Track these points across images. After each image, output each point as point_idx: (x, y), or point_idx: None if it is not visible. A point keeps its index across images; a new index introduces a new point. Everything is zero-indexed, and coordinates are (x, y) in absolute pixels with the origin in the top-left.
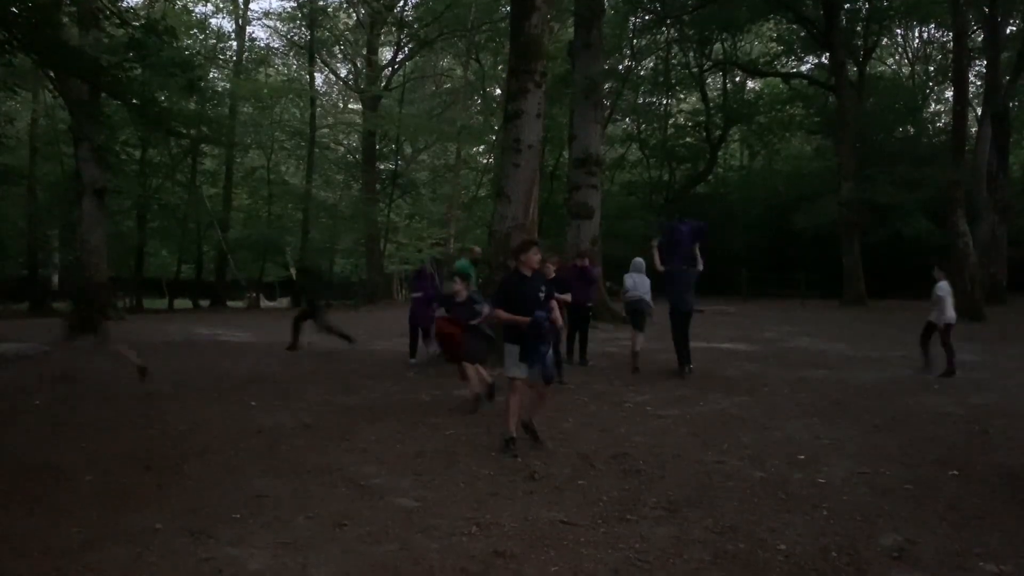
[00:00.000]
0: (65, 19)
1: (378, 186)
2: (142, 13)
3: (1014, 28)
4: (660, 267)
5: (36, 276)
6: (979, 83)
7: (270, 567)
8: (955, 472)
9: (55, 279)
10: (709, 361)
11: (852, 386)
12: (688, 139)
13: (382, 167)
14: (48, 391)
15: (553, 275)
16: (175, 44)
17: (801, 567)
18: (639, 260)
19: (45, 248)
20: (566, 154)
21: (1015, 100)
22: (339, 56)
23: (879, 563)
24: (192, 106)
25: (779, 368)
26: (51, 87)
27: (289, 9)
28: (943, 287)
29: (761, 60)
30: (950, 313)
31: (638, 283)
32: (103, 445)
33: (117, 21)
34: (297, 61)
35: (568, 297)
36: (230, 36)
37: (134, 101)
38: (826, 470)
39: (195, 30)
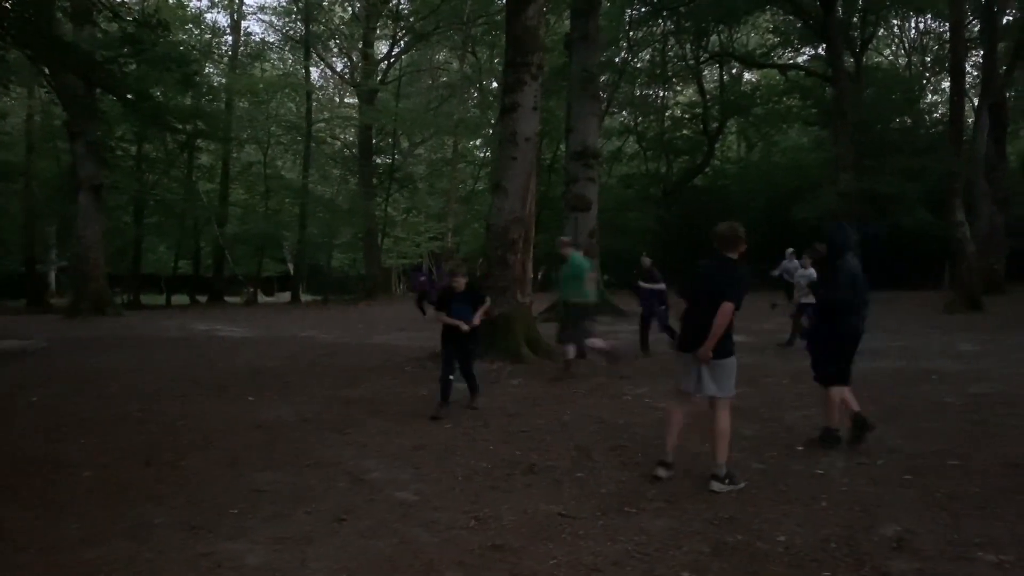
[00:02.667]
0: (59, 14)
1: (375, 180)
2: (136, 8)
3: (1011, 18)
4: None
5: (33, 272)
6: (976, 73)
7: (269, 561)
8: (954, 462)
9: (52, 275)
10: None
11: (853, 376)
12: (685, 131)
13: (379, 161)
14: (47, 387)
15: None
16: (170, 39)
17: (800, 558)
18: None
19: (42, 244)
20: (563, 147)
21: (1012, 90)
22: (335, 50)
23: (878, 554)
24: (188, 101)
25: (778, 359)
26: (46, 83)
27: (284, 3)
28: (810, 273)
29: (758, 52)
30: (808, 296)
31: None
32: (102, 440)
33: (111, 16)
34: (293, 55)
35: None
36: (225, 31)
37: (129, 96)
38: (825, 461)
39: (190, 25)
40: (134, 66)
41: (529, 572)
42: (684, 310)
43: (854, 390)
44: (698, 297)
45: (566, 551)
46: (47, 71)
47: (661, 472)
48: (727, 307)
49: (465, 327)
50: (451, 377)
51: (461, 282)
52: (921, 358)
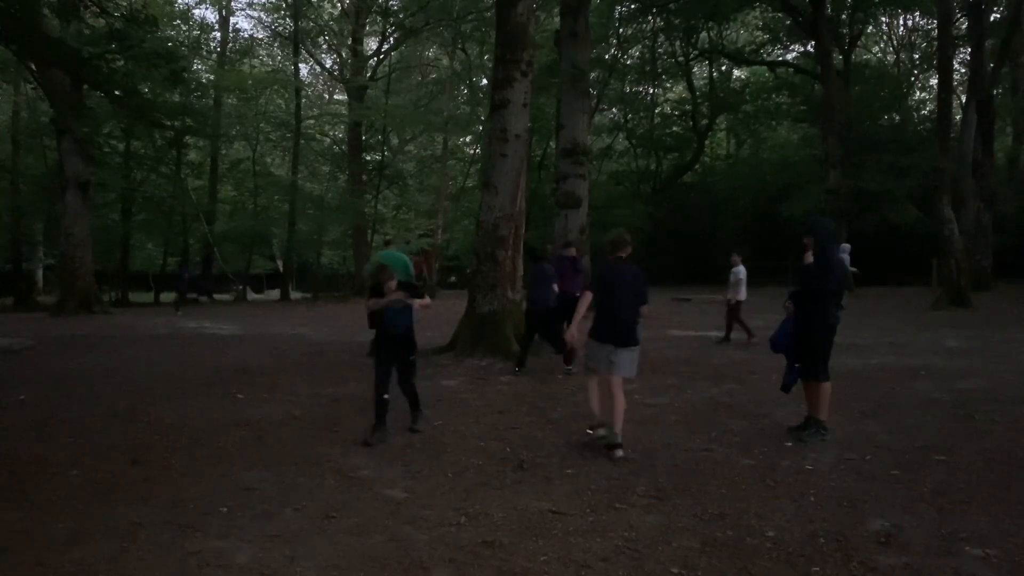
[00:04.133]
0: (45, 10)
1: (365, 177)
2: (124, 4)
3: (998, 15)
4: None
5: (20, 270)
6: (963, 71)
7: (258, 560)
8: (941, 458)
9: (40, 273)
10: (697, 350)
11: (839, 373)
12: (675, 128)
13: (369, 158)
14: (33, 385)
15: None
16: (158, 34)
17: (789, 553)
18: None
19: (29, 242)
20: (553, 144)
21: (999, 87)
22: (324, 46)
23: (866, 548)
24: (176, 97)
25: (766, 356)
26: (32, 79)
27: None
28: (741, 271)
29: (747, 49)
30: (743, 293)
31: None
32: (89, 439)
33: (98, 11)
34: (282, 52)
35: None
36: (214, 27)
37: (117, 92)
38: (813, 457)
39: (178, 21)
40: (121, 62)
41: (519, 569)
42: (597, 307)
43: (838, 387)
44: (613, 297)
45: (556, 548)
46: (33, 67)
47: (601, 431)
48: (645, 309)
49: (416, 302)
50: (386, 396)
51: (393, 283)
52: (908, 354)
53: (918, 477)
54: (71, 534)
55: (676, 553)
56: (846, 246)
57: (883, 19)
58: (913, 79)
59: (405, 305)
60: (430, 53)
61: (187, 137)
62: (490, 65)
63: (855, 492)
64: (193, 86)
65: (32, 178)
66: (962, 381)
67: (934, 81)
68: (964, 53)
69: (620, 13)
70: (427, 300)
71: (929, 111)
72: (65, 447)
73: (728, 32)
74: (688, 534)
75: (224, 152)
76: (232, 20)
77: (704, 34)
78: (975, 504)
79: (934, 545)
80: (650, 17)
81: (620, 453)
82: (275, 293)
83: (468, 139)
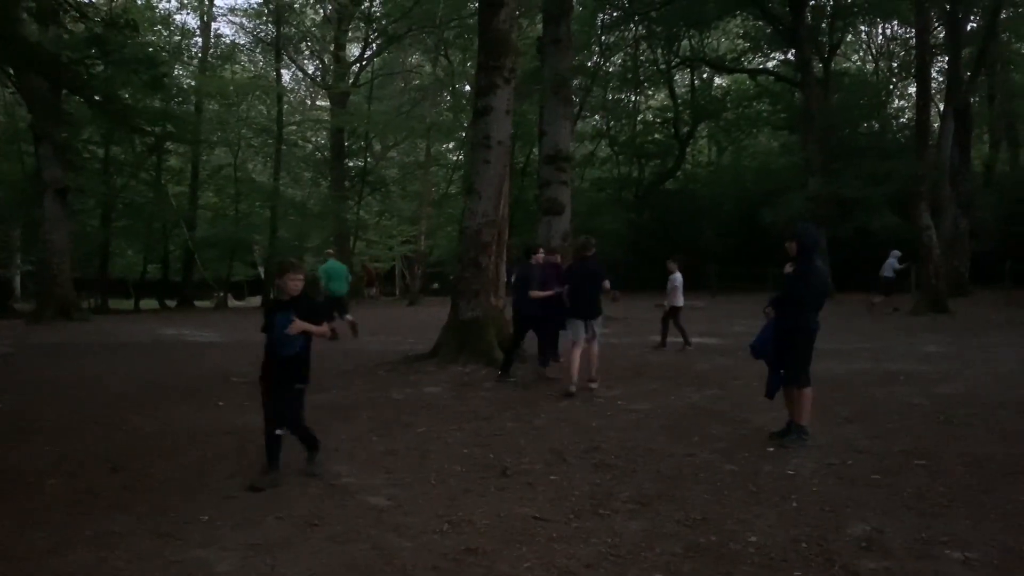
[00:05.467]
0: (24, 14)
1: (347, 183)
2: (104, 8)
3: (974, 25)
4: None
5: None
6: (941, 79)
7: (239, 568)
8: (922, 462)
9: (17, 280)
10: (679, 355)
11: (821, 379)
12: (657, 135)
13: (351, 164)
14: (11, 393)
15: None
16: (138, 40)
17: (771, 558)
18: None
19: (7, 249)
20: (536, 150)
21: (976, 95)
22: (306, 52)
23: (848, 553)
24: (156, 103)
25: (749, 362)
26: (10, 84)
27: (255, 5)
28: (677, 278)
29: (728, 57)
30: (680, 299)
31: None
32: (68, 447)
33: (77, 16)
34: (264, 57)
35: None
36: (195, 32)
37: (96, 98)
38: (795, 462)
39: (159, 26)
40: (101, 67)
41: (502, 575)
42: (572, 293)
43: (819, 392)
44: (582, 284)
45: (539, 554)
46: (11, 72)
47: (572, 389)
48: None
49: (314, 329)
50: (279, 432)
51: (297, 284)
52: (888, 359)
53: (899, 481)
54: (50, 544)
55: (659, 559)
56: (896, 252)
57: (862, 28)
58: (892, 87)
59: (299, 332)
60: (413, 59)
61: (168, 143)
62: (473, 72)
63: (837, 497)
64: (174, 91)
65: (9, 184)
66: (941, 386)
67: (912, 89)
68: (942, 62)
69: (603, 20)
70: (326, 328)
71: (908, 119)
72: (44, 455)
73: (709, 40)
74: (671, 540)
75: (205, 158)
76: (214, 26)
77: (686, 42)
78: (955, 508)
79: (915, 549)
80: (632, 25)
81: (594, 385)
82: (256, 300)
83: (451, 145)
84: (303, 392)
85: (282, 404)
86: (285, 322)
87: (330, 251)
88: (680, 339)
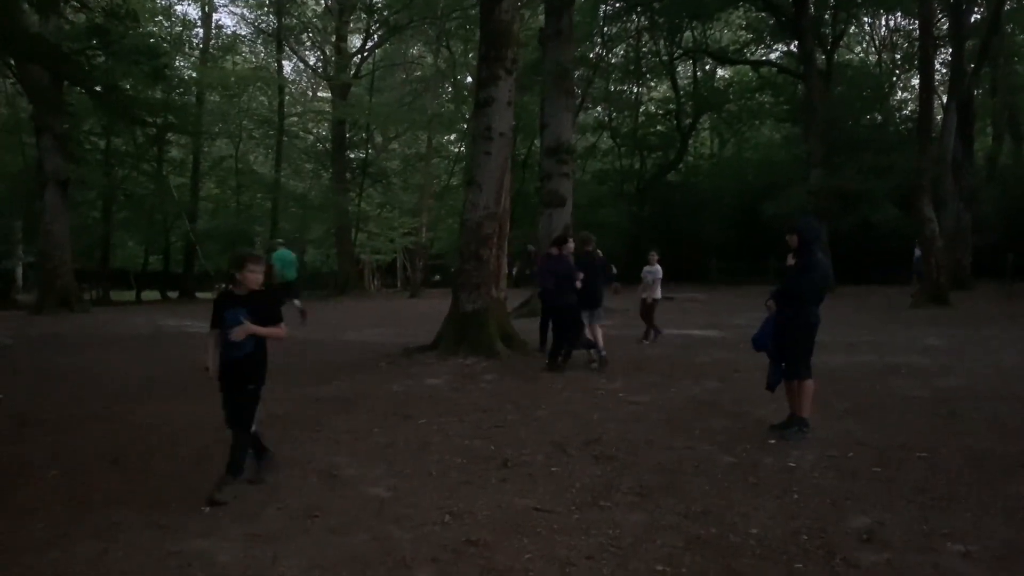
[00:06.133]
0: (24, 5)
1: (349, 175)
2: None
3: (978, 16)
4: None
5: None
6: (944, 71)
7: (240, 559)
8: (922, 455)
9: (19, 272)
10: (680, 348)
11: (822, 371)
12: (659, 127)
13: (352, 156)
14: (11, 385)
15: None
16: (139, 30)
17: (772, 551)
18: None
19: (8, 241)
20: (538, 143)
21: (979, 88)
22: (307, 44)
23: (848, 545)
24: (158, 94)
25: (749, 355)
26: (11, 75)
27: None
28: (658, 271)
29: (731, 48)
30: (658, 292)
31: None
32: (69, 439)
33: (78, 6)
34: (265, 49)
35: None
36: (196, 23)
37: (97, 89)
38: (796, 454)
39: (160, 17)
40: (102, 58)
41: (503, 567)
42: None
43: (820, 385)
44: (587, 275)
45: (540, 545)
46: (12, 63)
47: (594, 366)
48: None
49: (264, 331)
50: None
51: (257, 276)
52: (889, 353)
53: (899, 474)
54: (50, 535)
55: (660, 551)
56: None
57: (865, 19)
58: (895, 79)
59: (249, 334)
60: (414, 51)
61: (169, 134)
62: (474, 63)
63: (837, 490)
64: (175, 83)
65: (10, 176)
66: (942, 379)
67: (915, 81)
68: (945, 54)
69: (604, 12)
70: (281, 330)
71: (910, 111)
72: (44, 447)
73: (712, 31)
74: (672, 532)
75: (206, 149)
76: (215, 16)
77: (688, 33)
78: (956, 501)
79: (915, 542)
80: (634, 16)
81: (603, 352)
82: None
83: (452, 137)
84: (257, 393)
85: (238, 406)
86: (234, 319)
87: (280, 240)
88: (644, 331)
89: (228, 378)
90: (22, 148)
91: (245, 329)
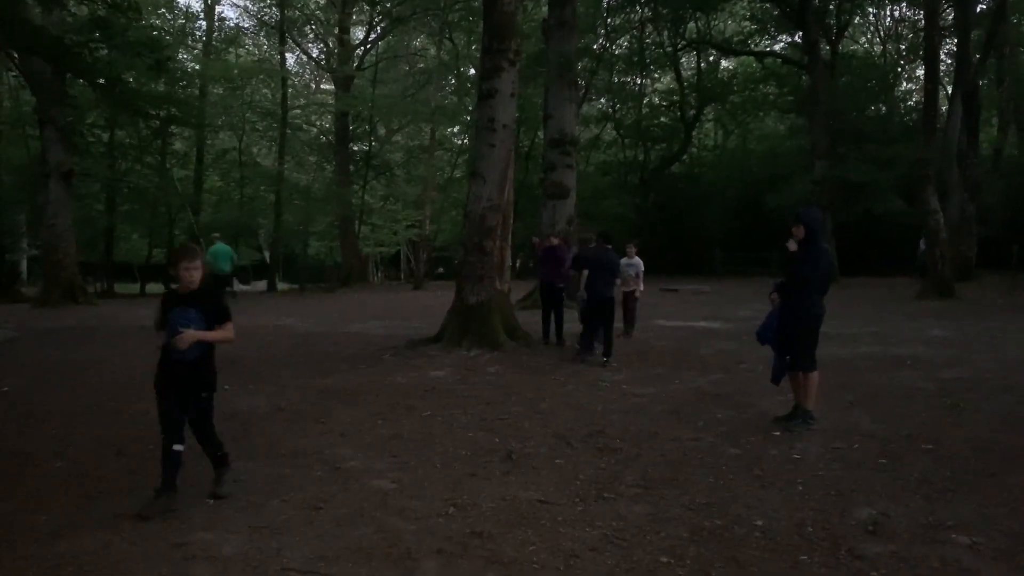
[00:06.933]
0: None
1: (352, 167)
2: None
3: (984, 7)
4: None
5: (3, 261)
6: (949, 61)
7: (244, 551)
8: (927, 446)
9: (23, 264)
10: (684, 340)
11: (826, 363)
12: (663, 119)
13: (356, 148)
14: (17, 377)
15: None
16: (142, 23)
17: (777, 542)
18: None
19: (13, 233)
20: (541, 134)
21: (985, 78)
22: (310, 36)
23: (854, 536)
24: (161, 87)
25: (753, 346)
26: (14, 67)
27: None
28: (637, 263)
29: (735, 39)
30: (641, 286)
31: None
32: (73, 431)
33: None
34: (268, 41)
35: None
36: (199, 16)
37: (100, 81)
38: (801, 446)
39: (163, 9)
40: (105, 51)
41: (508, 559)
42: (588, 277)
43: (824, 376)
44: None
45: (544, 537)
46: (15, 55)
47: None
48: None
49: (209, 335)
50: (177, 447)
51: (193, 274)
52: (894, 344)
53: (904, 466)
54: (56, 527)
55: (664, 542)
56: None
57: (870, 9)
58: (900, 70)
59: (195, 340)
60: (417, 43)
61: (172, 127)
62: (477, 55)
63: (842, 481)
64: (178, 75)
65: (14, 168)
66: (947, 370)
67: (920, 72)
68: (950, 44)
69: (608, 3)
70: (229, 331)
71: (915, 102)
72: (49, 439)
73: (716, 22)
74: (676, 523)
75: (210, 142)
76: (217, 9)
77: (692, 24)
78: (961, 492)
79: (920, 533)
80: (638, 7)
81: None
82: (262, 284)
83: (456, 129)
84: (209, 401)
85: (184, 416)
86: (182, 320)
87: (216, 235)
88: (622, 325)
89: (174, 386)
90: (26, 141)
91: (190, 336)
